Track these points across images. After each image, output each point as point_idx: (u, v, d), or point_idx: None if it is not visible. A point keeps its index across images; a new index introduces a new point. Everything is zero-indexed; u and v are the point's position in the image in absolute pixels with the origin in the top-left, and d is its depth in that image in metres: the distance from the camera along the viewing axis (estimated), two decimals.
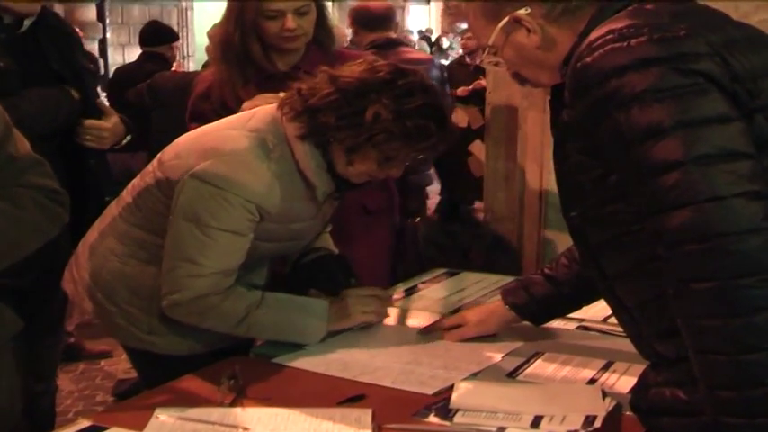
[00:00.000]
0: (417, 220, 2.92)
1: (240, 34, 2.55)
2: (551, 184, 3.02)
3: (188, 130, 2.39)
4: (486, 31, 1.62)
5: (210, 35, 2.69)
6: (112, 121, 2.72)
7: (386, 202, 2.83)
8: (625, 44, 1.39)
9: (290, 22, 2.51)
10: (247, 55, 2.57)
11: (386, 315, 2.23)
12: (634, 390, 1.67)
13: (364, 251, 2.64)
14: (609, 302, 1.65)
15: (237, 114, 2.20)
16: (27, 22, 2.58)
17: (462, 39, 8.05)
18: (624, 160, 1.39)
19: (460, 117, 3.59)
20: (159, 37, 6.09)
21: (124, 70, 6.46)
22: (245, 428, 1.65)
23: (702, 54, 1.37)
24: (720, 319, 1.30)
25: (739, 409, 1.32)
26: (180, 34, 12.31)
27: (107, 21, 12.40)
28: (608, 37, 1.41)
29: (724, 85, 1.36)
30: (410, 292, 2.56)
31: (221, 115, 2.31)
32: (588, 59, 1.42)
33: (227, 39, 2.57)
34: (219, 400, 1.78)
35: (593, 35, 1.45)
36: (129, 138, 2.75)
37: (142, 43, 6.12)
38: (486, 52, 1.65)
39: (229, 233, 1.98)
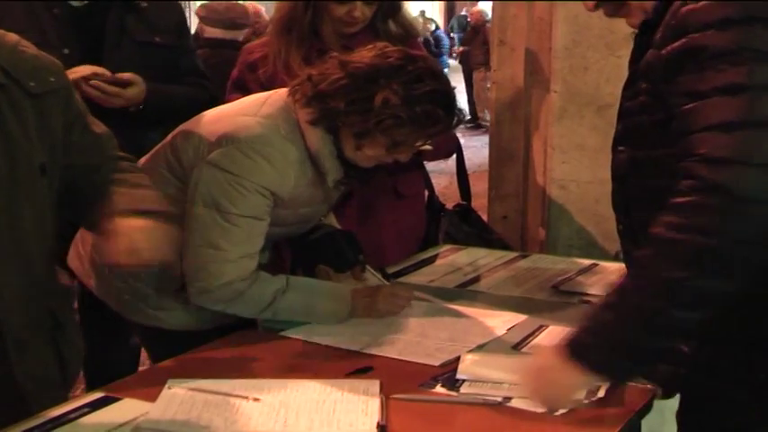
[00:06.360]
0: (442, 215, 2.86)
1: (312, 12, 2.54)
2: (555, 161, 3.05)
3: (229, 100, 2.40)
4: None
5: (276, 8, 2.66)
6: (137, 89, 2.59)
7: (418, 187, 2.79)
8: None
9: (358, 11, 2.50)
10: (314, 32, 2.57)
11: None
12: None
13: (392, 235, 2.64)
14: (623, 242, 1.67)
15: (249, 99, 2.20)
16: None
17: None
18: (692, 109, 1.39)
19: None
20: None
21: None
22: (256, 399, 1.68)
23: None
24: (687, 272, 1.35)
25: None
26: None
27: None
28: None
29: None
30: (417, 266, 2.58)
31: (266, 87, 2.32)
32: (696, 5, 1.41)
33: (295, 14, 2.56)
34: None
35: None
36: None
37: None
38: None
39: (250, 218, 2.00)
